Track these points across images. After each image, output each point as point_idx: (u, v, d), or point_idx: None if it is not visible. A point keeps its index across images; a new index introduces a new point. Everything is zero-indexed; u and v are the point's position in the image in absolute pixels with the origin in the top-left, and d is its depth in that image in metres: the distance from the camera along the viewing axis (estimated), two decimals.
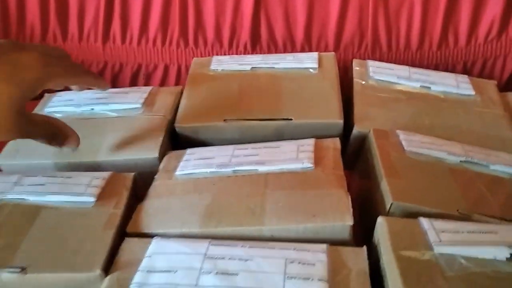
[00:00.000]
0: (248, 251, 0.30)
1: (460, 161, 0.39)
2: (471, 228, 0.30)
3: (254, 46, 0.59)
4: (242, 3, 0.57)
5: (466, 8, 0.56)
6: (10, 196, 0.37)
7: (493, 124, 0.46)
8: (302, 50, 0.59)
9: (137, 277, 0.30)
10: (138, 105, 0.48)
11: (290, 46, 0.59)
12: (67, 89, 0.44)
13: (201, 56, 0.60)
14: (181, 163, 0.41)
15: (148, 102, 0.49)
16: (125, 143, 0.44)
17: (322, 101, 0.46)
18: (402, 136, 0.41)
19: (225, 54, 0.59)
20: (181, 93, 0.50)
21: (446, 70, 0.58)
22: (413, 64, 0.57)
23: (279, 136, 0.44)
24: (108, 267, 0.31)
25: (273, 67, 0.51)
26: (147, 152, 0.43)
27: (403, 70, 0.51)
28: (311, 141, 0.41)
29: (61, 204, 0.36)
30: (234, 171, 0.39)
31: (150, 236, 0.34)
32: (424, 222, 0.31)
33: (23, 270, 0.31)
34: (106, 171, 0.40)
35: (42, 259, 0.31)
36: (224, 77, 0.51)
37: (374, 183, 0.37)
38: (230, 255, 0.30)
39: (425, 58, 0.58)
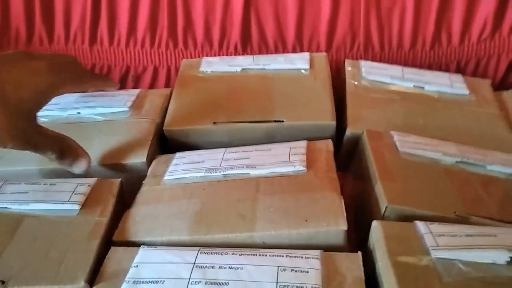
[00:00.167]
0: (238, 259, 0.29)
1: (456, 161, 0.38)
2: (469, 231, 0.29)
3: (245, 47, 0.58)
4: (232, 3, 0.56)
5: (459, 7, 0.55)
6: None
7: (488, 123, 0.45)
8: (294, 50, 0.58)
9: None
10: (126, 109, 0.47)
11: (281, 47, 0.58)
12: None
13: (191, 58, 0.59)
14: (170, 168, 0.40)
15: (136, 105, 0.48)
16: (112, 148, 0.42)
17: (314, 102, 0.45)
18: (396, 137, 0.40)
19: (215, 55, 0.58)
20: (170, 95, 0.49)
21: (439, 69, 0.57)
22: (406, 64, 0.56)
23: (270, 139, 0.43)
24: (93, 278, 0.30)
25: (264, 68, 0.50)
26: (135, 157, 0.41)
27: (396, 70, 0.51)
28: (303, 143, 0.40)
29: (45, 212, 0.35)
30: (225, 175, 0.38)
31: (138, 244, 0.32)
32: (421, 225, 0.30)
33: (3, 283, 0.29)
34: (92, 177, 0.39)
35: (24, 272, 0.30)
36: (214, 79, 0.50)
37: (368, 186, 0.36)
38: (220, 263, 0.29)
39: (418, 58, 0.58)
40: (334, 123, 0.43)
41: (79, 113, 0.46)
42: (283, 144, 0.41)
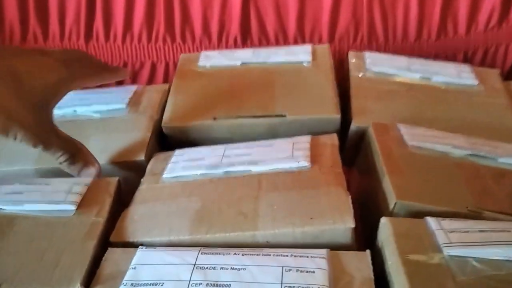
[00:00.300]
0: (241, 259, 0.28)
1: (466, 154, 0.36)
2: (482, 227, 0.28)
3: (245, 40, 0.57)
4: None
5: None
6: None
7: (498, 114, 0.44)
8: (295, 42, 0.56)
9: None
10: (123, 105, 0.45)
11: (282, 39, 0.56)
12: None
13: (189, 52, 0.57)
14: (169, 165, 0.39)
15: (133, 102, 0.46)
16: (109, 146, 0.41)
17: (318, 95, 0.44)
18: (404, 130, 0.38)
19: (214, 49, 0.57)
20: (168, 91, 0.48)
21: (446, 60, 0.55)
22: (411, 55, 0.54)
23: (272, 134, 0.42)
24: (89, 281, 0.29)
25: (265, 62, 0.49)
26: (133, 154, 0.40)
27: (402, 60, 0.49)
28: (307, 138, 0.39)
29: (40, 213, 0.33)
30: (226, 173, 0.36)
31: (136, 245, 0.31)
32: (432, 222, 0.28)
33: None
34: None
35: (18, 274, 0.29)
36: (213, 74, 0.49)
37: (375, 181, 0.35)
38: (222, 264, 0.27)
39: (424, 48, 0.56)
40: (338, 116, 0.41)
41: (75, 110, 0.45)
42: (286, 139, 0.39)
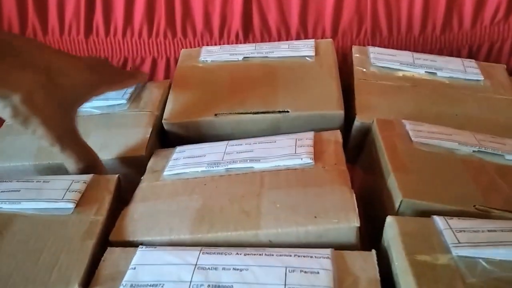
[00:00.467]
0: (243, 259, 0.27)
1: (473, 151, 0.35)
2: (492, 226, 0.27)
3: (246, 35, 0.56)
4: None
5: None
6: None
7: (505, 110, 0.43)
8: (298, 37, 0.55)
9: None
10: (123, 101, 0.45)
11: (284, 34, 0.55)
12: None
13: (190, 47, 0.57)
14: (170, 163, 0.38)
15: (134, 98, 0.46)
16: (109, 142, 0.40)
17: (321, 91, 0.43)
18: (409, 126, 0.38)
19: (215, 44, 0.56)
20: (170, 87, 0.47)
21: (450, 55, 0.54)
22: (415, 50, 0.54)
23: (275, 130, 0.41)
24: (87, 281, 0.28)
25: (267, 57, 0.48)
26: (133, 151, 0.39)
27: (406, 55, 0.48)
28: (310, 134, 0.38)
29: (37, 211, 0.33)
30: (227, 170, 0.35)
31: (135, 244, 0.30)
32: (439, 221, 0.27)
33: None
34: None
35: (14, 276, 0.28)
36: (215, 69, 0.48)
37: (380, 179, 0.34)
38: (224, 264, 0.27)
39: (428, 43, 0.55)
40: (342, 112, 0.41)
41: None
42: (289, 135, 0.38)
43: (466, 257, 0.25)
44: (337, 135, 0.38)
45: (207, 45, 0.56)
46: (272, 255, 0.27)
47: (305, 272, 0.26)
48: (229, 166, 0.35)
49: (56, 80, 0.33)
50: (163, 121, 0.43)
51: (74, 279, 0.27)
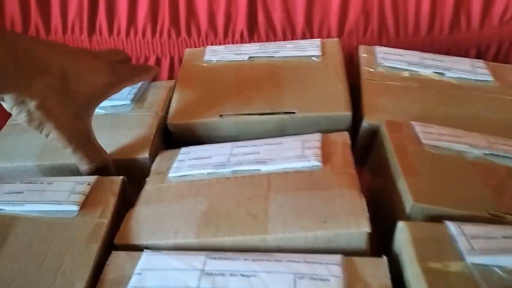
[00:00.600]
0: (251, 265, 0.26)
1: (484, 154, 0.35)
2: (506, 233, 0.26)
3: (251, 34, 0.55)
4: None
5: None
6: None
7: None
8: (303, 36, 0.55)
9: None
10: (127, 102, 0.44)
11: (290, 33, 0.55)
12: None
13: (195, 47, 0.56)
14: (175, 164, 0.37)
15: (138, 98, 0.45)
16: (112, 143, 0.40)
17: (327, 91, 0.42)
18: (418, 127, 0.37)
19: (220, 44, 0.55)
20: (174, 87, 0.46)
21: (458, 55, 0.53)
22: (423, 50, 0.53)
23: (281, 132, 0.41)
24: (92, 285, 0.28)
25: (273, 56, 0.47)
26: (137, 152, 0.39)
27: (414, 55, 0.48)
28: (318, 136, 0.37)
29: (41, 214, 0.32)
30: (233, 172, 0.35)
31: (141, 248, 0.30)
32: (452, 226, 0.27)
33: None
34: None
35: (17, 279, 0.28)
36: (220, 69, 0.47)
37: (389, 181, 0.34)
38: (231, 270, 0.26)
39: (436, 43, 0.54)
40: (350, 113, 0.40)
41: None
42: (296, 137, 0.38)
43: (480, 264, 0.25)
44: (345, 136, 0.38)
45: (212, 44, 0.55)
46: (281, 261, 0.26)
47: (315, 279, 0.25)
48: (235, 168, 0.35)
49: (71, 85, 0.33)
50: (167, 122, 0.42)
51: (78, 283, 0.27)
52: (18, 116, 0.33)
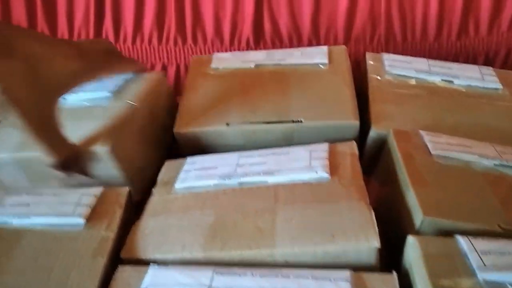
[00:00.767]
0: (259, 281, 0.26)
1: (494, 164, 0.34)
2: None
3: (258, 41, 0.55)
4: None
5: None
6: None
7: None
8: (309, 43, 0.54)
9: None
10: (109, 94, 0.42)
11: (296, 40, 0.54)
12: None
13: (201, 54, 0.56)
14: (181, 174, 0.37)
15: (120, 90, 0.42)
16: (79, 135, 0.37)
17: (335, 100, 0.42)
18: (427, 137, 0.36)
19: (226, 51, 0.55)
20: (160, 79, 0.45)
21: (466, 61, 0.53)
22: (430, 57, 0.53)
23: (288, 141, 0.40)
24: None
25: (279, 64, 0.47)
26: (97, 144, 0.36)
27: (422, 63, 0.47)
28: (325, 146, 0.37)
29: (47, 227, 0.32)
30: (240, 183, 0.35)
31: (147, 262, 0.30)
32: (463, 241, 0.26)
33: None
34: None
35: None
36: (226, 76, 0.47)
37: (397, 192, 0.33)
38: (238, 286, 0.26)
39: (444, 49, 0.54)
40: (357, 122, 0.39)
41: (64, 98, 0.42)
42: (303, 147, 0.37)
43: (492, 281, 0.24)
44: (353, 146, 0.37)
45: (218, 51, 0.55)
46: (289, 277, 0.26)
47: None
48: (242, 180, 0.35)
49: (36, 68, 0.32)
50: (174, 130, 0.42)
51: None
52: None
